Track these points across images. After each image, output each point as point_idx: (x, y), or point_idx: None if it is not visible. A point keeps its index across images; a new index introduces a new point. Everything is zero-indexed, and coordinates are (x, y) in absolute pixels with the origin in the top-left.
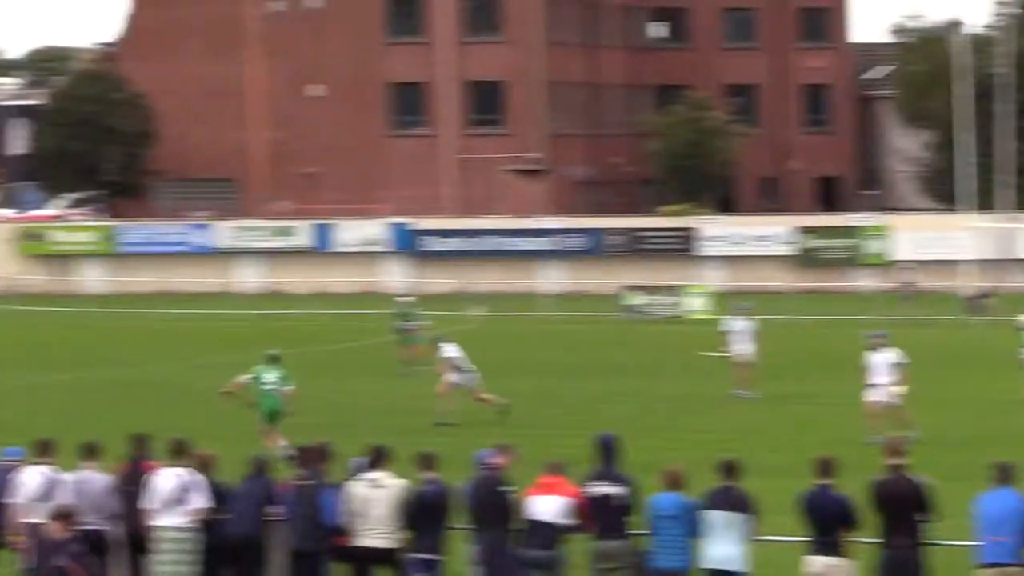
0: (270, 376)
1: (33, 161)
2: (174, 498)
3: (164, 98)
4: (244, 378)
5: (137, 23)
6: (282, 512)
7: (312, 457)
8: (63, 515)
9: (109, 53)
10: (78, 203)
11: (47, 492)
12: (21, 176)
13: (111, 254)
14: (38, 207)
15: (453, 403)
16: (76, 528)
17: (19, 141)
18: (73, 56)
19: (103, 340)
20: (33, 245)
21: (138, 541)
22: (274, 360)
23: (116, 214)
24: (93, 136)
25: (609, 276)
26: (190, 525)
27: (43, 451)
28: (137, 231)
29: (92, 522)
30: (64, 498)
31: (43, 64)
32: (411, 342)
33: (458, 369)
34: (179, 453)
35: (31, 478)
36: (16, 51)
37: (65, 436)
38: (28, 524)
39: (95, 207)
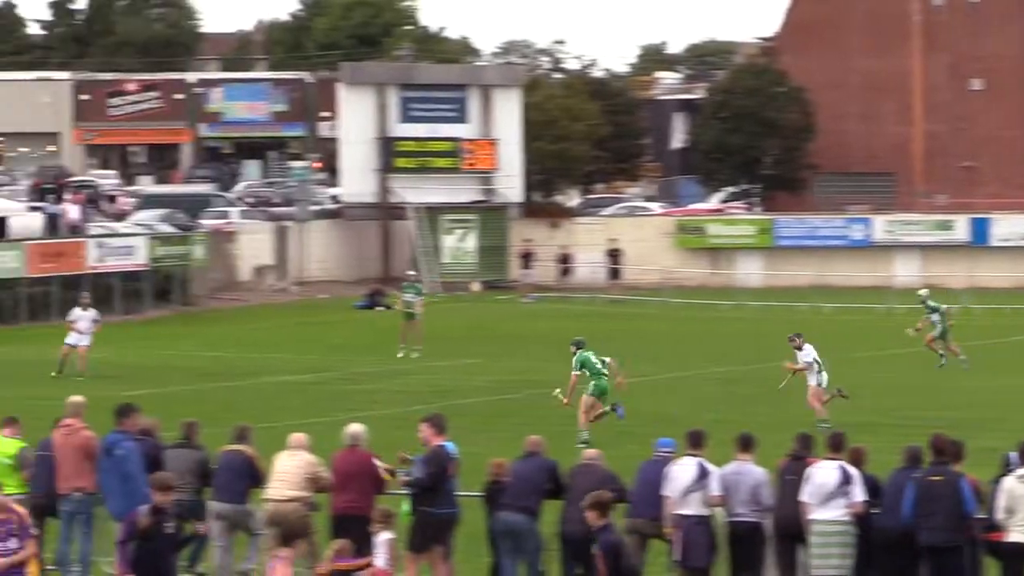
0: (592, 357)
1: (691, 155)
2: (834, 492)
3: (824, 91)
4: (575, 373)
5: (796, 17)
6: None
7: (946, 450)
8: (597, 504)
9: (768, 47)
10: (734, 197)
11: (698, 484)
12: (678, 170)
13: (768, 247)
14: (696, 201)
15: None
16: (609, 518)
17: (678, 135)
18: (733, 50)
19: (758, 333)
20: (691, 238)
21: (794, 535)
22: (581, 345)
23: (771, 207)
24: (753, 130)
25: None
26: (847, 519)
27: (696, 443)
28: (794, 224)
29: (743, 514)
30: (715, 490)
31: (703, 58)
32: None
33: (816, 370)
34: (837, 446)
35: (684, 470)
36: (677, 46)
37: (718, 427)
38: (678, 516)
39: (749, 201)
